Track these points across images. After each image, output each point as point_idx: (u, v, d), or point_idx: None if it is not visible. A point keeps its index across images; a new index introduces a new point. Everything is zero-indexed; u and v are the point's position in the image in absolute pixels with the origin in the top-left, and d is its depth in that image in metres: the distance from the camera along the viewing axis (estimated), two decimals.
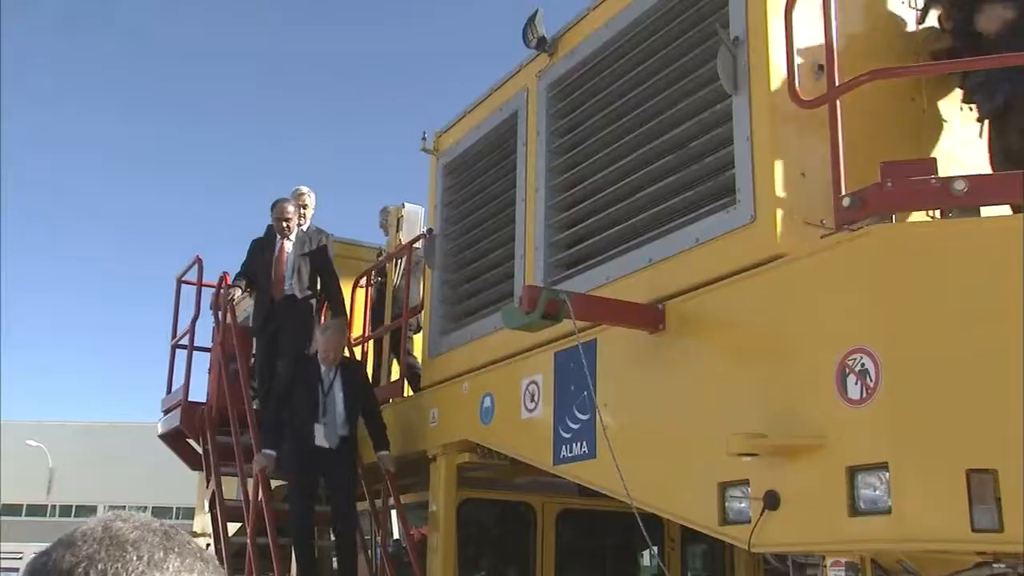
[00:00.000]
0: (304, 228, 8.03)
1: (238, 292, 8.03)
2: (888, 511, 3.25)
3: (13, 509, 43.63)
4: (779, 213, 4.01)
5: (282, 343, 7.55)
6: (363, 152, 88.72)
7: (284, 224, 7.81)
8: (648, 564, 7.95)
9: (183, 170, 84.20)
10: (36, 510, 46.27)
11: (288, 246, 7.76)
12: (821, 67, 4.08)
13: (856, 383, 3.41)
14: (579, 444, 4.84)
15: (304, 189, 8.29)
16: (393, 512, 6.87)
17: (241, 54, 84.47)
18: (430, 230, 6.88)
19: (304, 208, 8.14)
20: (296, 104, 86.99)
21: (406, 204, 9.19)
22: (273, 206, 7.89)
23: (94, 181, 79.83)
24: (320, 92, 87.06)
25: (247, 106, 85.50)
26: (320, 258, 7.85)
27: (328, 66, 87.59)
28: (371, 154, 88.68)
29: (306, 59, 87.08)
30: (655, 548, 6.10)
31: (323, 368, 6.71)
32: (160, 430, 8.74)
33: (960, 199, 3.49)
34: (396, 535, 6.98)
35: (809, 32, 4.10)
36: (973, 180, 3.55)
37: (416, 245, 7.75)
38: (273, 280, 7.64)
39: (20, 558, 30.31)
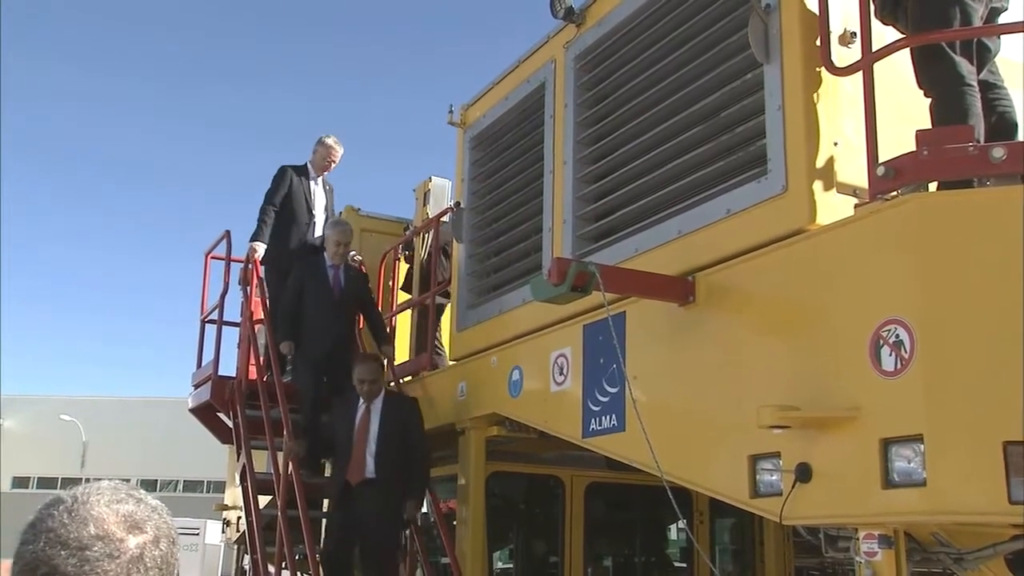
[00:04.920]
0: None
1: (261, 249, 7.67)
2: (923, 483, 3.22)
3: (48, 482, 44.37)
4: (812, 183, 3.95)
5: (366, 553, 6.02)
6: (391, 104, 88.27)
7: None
8: (676, 537, 7.96)
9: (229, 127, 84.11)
10: (70, 483, 46.44)
11: (374, 413, 6.06)
12: (854, 34, 4.01)
13: (890, 354, 3.36)
14: (608, 417, 4.83)
15: (330, 141, 8.02)
16: None
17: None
18: (457, 203, 6.86)
19: (332, 163, 8.06)
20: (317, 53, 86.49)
21: (433, 178, 9.17)
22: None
23: (125, 138, 79.97)
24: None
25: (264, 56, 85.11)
26: (408, 419, 6.24)
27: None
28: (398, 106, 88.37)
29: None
30: (684, 521, 6.08)
31: None
32: (190, 404, 8.81)
33: (999, 167, 3.42)
34: (425, 508, 7.01)
35: None
36: (1012, 147, 3.48)
37: (443, 219, 7.74)
38: (352, 461, 5.98)
39: None
